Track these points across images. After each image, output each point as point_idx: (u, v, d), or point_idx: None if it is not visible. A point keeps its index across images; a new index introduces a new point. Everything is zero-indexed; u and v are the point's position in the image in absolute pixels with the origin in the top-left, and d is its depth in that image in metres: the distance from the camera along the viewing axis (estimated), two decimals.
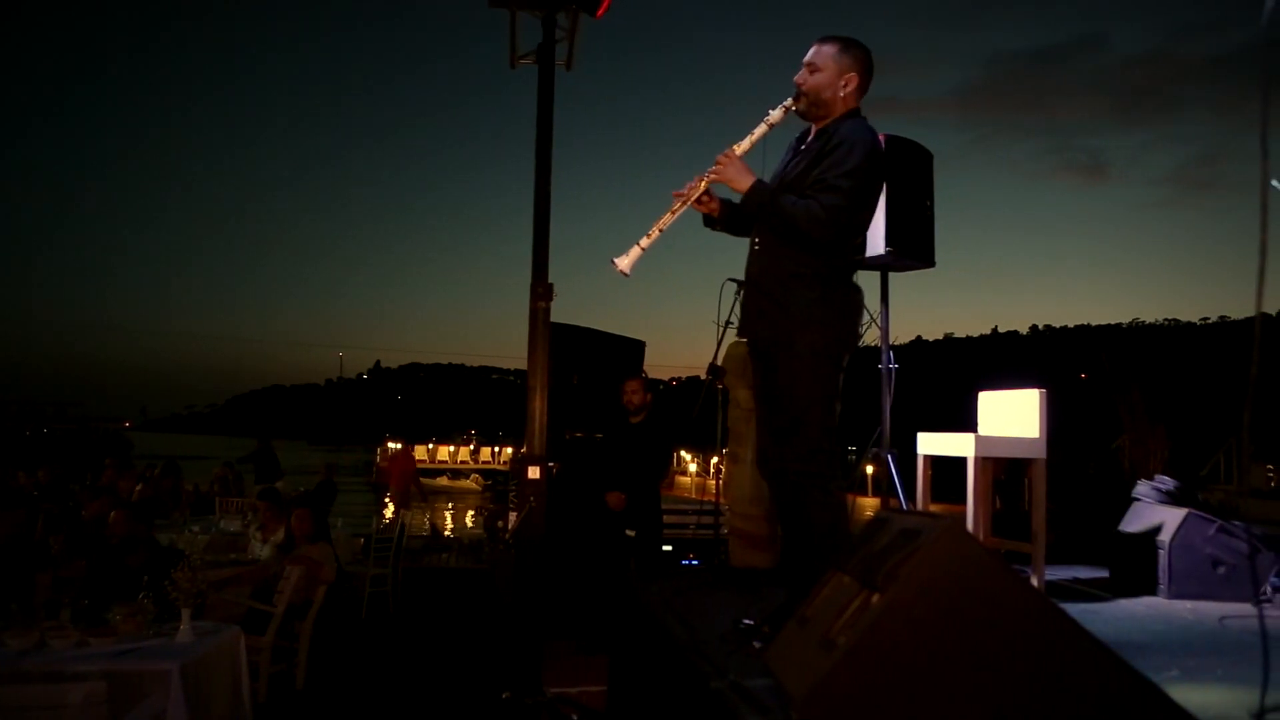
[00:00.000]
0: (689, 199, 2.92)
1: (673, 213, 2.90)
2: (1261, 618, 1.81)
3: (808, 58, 2.97)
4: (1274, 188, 2.28)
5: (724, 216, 3.08)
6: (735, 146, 2.91)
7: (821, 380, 2.90)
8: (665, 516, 6.09)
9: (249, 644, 4.28)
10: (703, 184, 2.93)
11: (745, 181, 2.88)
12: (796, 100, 2.95)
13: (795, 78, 2.97)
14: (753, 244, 3.06)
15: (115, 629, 3.72)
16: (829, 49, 2.96)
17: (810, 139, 3.03)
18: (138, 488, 9.03)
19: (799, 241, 2.87)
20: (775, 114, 2.94)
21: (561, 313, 5.45)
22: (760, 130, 2.93)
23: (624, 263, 2.83)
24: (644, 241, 2.84)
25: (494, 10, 5.74)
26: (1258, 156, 1.66)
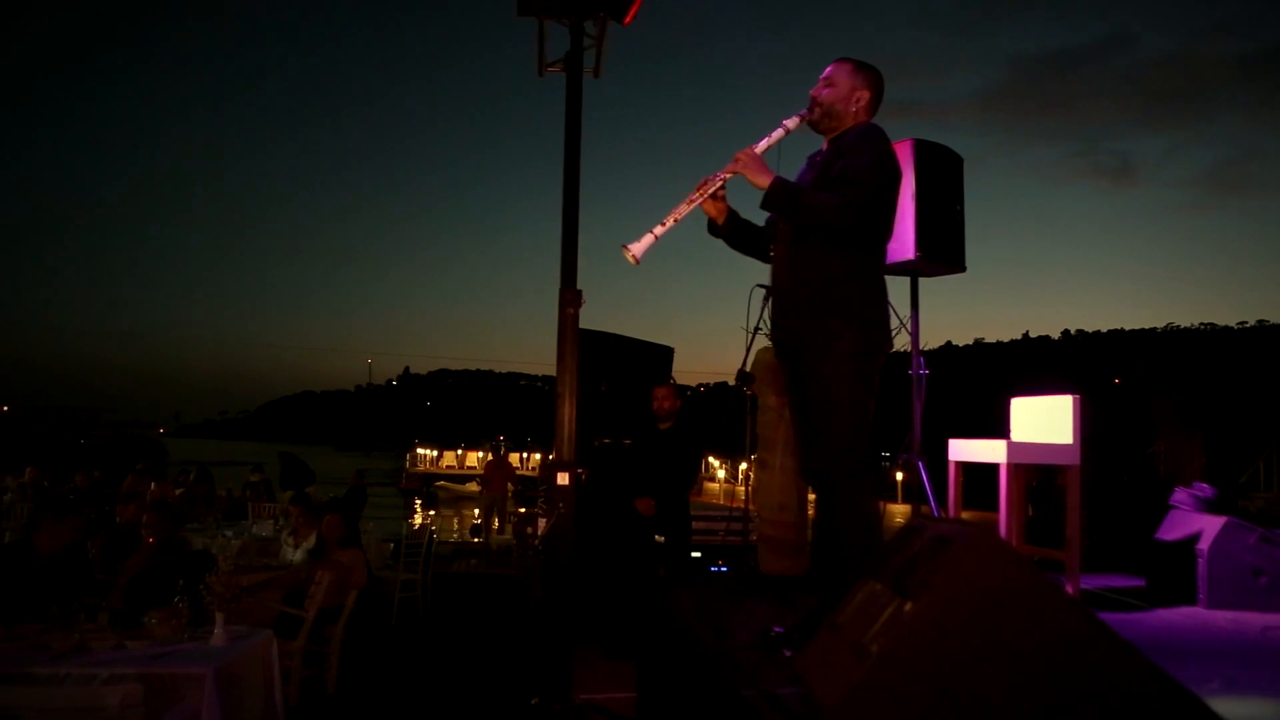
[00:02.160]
0: (707, 191, 2.97)
1: (690, 202, 2.95)
2: None
3: (825, 74, 3.10)
4: None
5: (728, 225, 3.15)
6: (752, 146, 2.97)
7: (859, 382, 2.93)
8: (694, 523, 6.08)
9: (281, 648, 4.31)
10: (720, 178, 2.97)
11: (765, 177, 2.93)
12: (811, 111, 3.06)
13: (811, 90, 3.09)
14: (770, 254, 3.13)
15: (152, 632, 3.77)
16: (845, 67, 3.10)
17: (824, 151, 3.12)
18: (177, 493, 9.16)
19: (826, 234, 2.91)
20: (791, 121, 3.03)
21: (590, 319, 5.46)
22: (777, 134, 3.01)
23: (636, 248, 2.86)
24: (658, 229, 2.88)
25: (522, 18, 5.77)
26: None
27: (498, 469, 16.53)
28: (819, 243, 2.95)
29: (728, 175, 2.97)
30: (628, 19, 5.60)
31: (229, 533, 7.97)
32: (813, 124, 3.08)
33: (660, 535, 5.63)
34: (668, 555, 5.58)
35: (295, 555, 6.59)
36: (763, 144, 2.98)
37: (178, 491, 9.20)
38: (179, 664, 3.52)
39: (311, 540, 6.49)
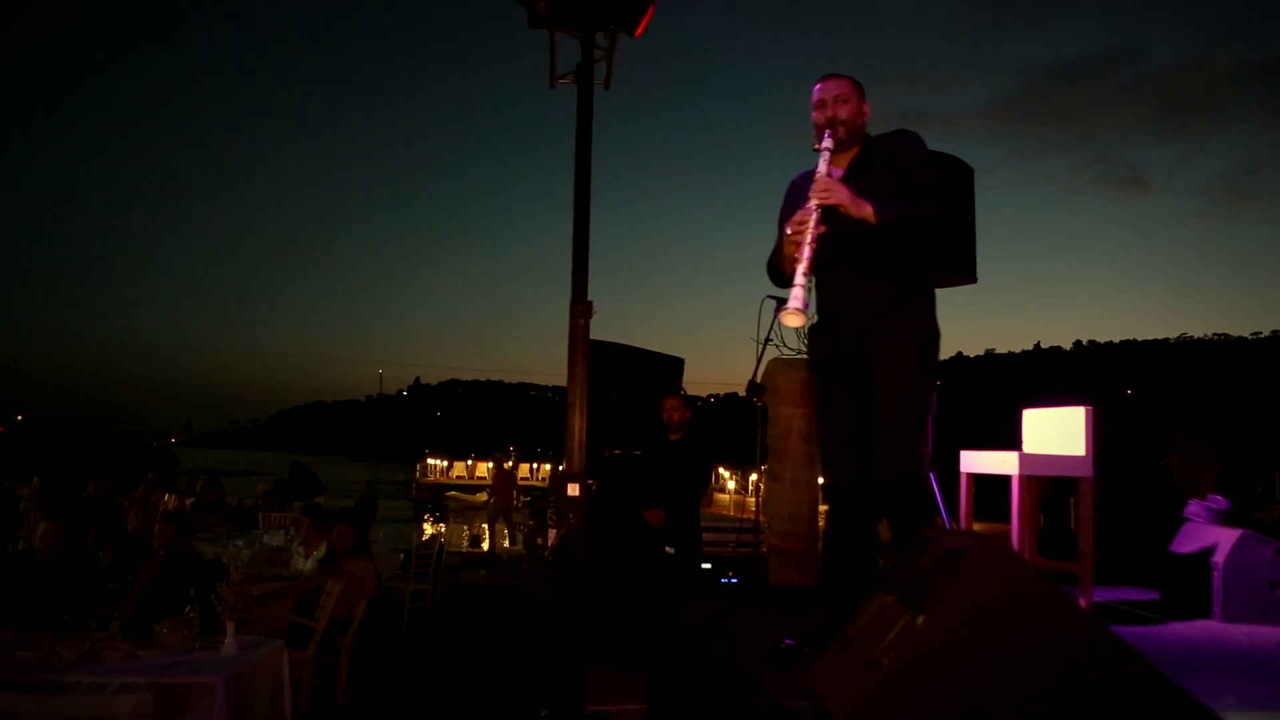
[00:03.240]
0: (813, 229, 2.83)
1: (810, 245, 2.81)
2: None
3: (831, 93, 3.10)
4: None
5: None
6: (827, 176, 2.91)
7: (927, 393, 3.02)
8: (704, 534, 6.06)
9: (291, 658, 4.32)
10: (815, 211, 2.86)
11: (863, 202, 2.88)
12: (836, 132, 3.04)
13: (827, 113, 3.06)
14: (844, 277, 3.07)
15: (163, 641, 3.78)
16: (846, 83, 3.14)
17: (848, 167, 3.09)
18: (189, 502, 9.20)
19: (934, 238, 3.03)
20: (828, 143, 3.00)
21: (600, 330, 5.48)
22: (826, 160, 2.98)
23: (796, 304, 2.75)
24: (799, 280, 2.78)
25: (533, 30, 5.80)
26: None
27: (505, 479, 17.23)
28: (883, 256, 2.99)
29: (819, 204, 2.87)
30: (639, 31, 5.63)
31: (240, 542, 7.99)
32: (838, 144, 3.06)
33: (670, 546, 5.62)
34: (678, 566, 5.57)
35: (306, 565, 6.60)
36: (835, 172, 2.98)
37: (189, 501, 9.23)
38: (190, 673, 3.53)
39: (322, 550, 6.50)
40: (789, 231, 2.89)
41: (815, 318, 3.20)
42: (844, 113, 3.08)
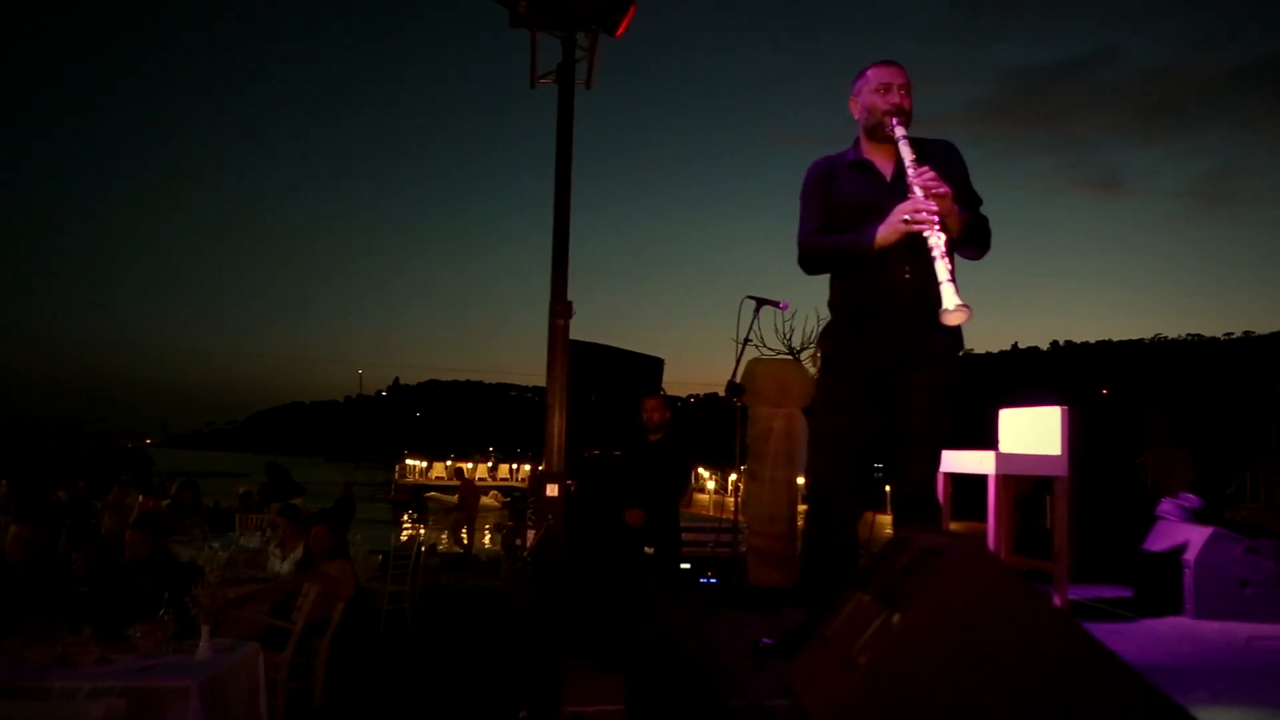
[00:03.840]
0: (931, 222, 2.70)
1: (941, 237, 2.69)
2: None
3: (899, 81, 2.97)
4: None
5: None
6: (924, 169, 2.77)
7: (952, 410, 3.03)
8: (683, 534, 6.07)
9: (267, 661, 4.28)
10: (935, 205, 2.72)
11: (955, 205, 2.81)
12: (901, 122, 2.91)
13: (894, 99, 2.94)
14: (903, 273, 2.90)
15: (136, 645, 3.74)
16: (906, 75, 3.01)
17: (908, 160, 2.87)
18: (164, 504, 9.10)
19: (981, 253, 3.01)
20: (903, 131, 2.89)
21: (580, 330, 5.47)
22: (909, 148, 2.85)
23: (952, 301, 2.60)
24: (944, 276, 2.64)
25: (515, 30, 5.79)
26: (1278, 169, 1.63)
27: (470, 489, 17.62)
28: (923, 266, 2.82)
29: (941, 207, 2.72)
30: (619, 31, 5.64)
31: (216, 544, 7.92)
32: (904, 134, 2.93)
33: (650, 547, 5.62)
34: (657, 567, 5.57)
35: (282, 567, 6.55)
36: (910, 159, 2.84)
37: (164, 503, 9.13)
38: (164, 677, 3.49)
39: (299, 552, 6.45)
40: (905, 219, 2.73)
41: (844, 311, 3.06)
42: (909, 104, 2.96)
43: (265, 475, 11.66)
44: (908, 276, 2.89)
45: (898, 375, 2.95)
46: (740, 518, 5.31)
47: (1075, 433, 4.12)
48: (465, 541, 15.91)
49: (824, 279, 3.19)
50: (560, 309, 4.93)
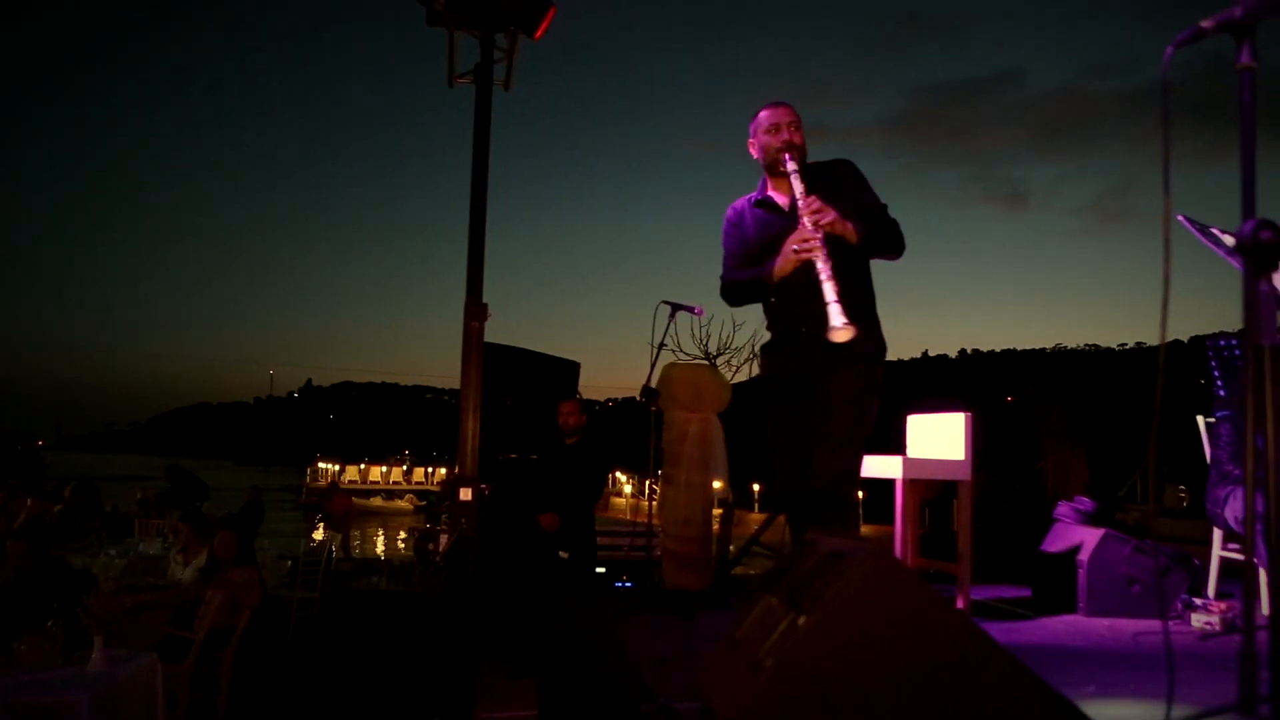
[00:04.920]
0: (819, 248, 2.93)
1: (828, 263, 2.91)
2: (1167, 634, 1.88)
3: (787, 119, 3.22)
4: (1178, 223, 2.39)
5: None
6: (812, 199, 3.00)
7: (872, 412, 3.18)
8: (599, 538, 6.07)
9: (167, 672, 4.13)
10: (820, 233, 2.96)
11: (846, 221, 3.03)
12: (794, 157, 3.14)
13: (784, 137, 3.18)
14: (818, 292, 3.09)
15: (22, 659, 3.56)
16: (795, 112, 3.26)
17: (799, 192, 3.10)
18: (56, 508, 8.67)
19: (895, 255, 3.20)
20: (794, 166, 3.11)
21: (497, 333, 5.43)
22: (800, 181, 3.08)
23: (839, 323, 2.83)
24: (831, 298, 2.86)
25: (432, 29, 5.71)
26: (1171, 190, 1.73)
27: (338, 495, 17.13)
28: (855, 273, 3.12)
29: (826, 229, 2.97)
30: (538, 34, 5.62)
31: (113, 550, 7.59)
32: (798, 167, 3.16)
33: (565, 551, 5.60)
34: (572, 571, 5.56)
35: (185, 574, 6.32)
36: (808, 195, 3.06)
37: (56, 508, 8.70)
38: (52, 692, 3.33)
39: (202, 558, 6.24)
40: (794, 249, 2.97)
41: (772, 333, 3.29)
42: (799, 139, 3.21)
43: (167, 479, 11.23)
44: (810, 298, 3.08)
45: (820, 386, 3.12)
46: (656, 521, 5.34)
47: (979, 438, 4.26)
48: (350, 551, 15.24)
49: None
50: (475, 310, 4.88)
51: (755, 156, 3.32)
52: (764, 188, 3.33)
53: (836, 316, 2.82)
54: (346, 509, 16.21)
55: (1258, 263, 1.53)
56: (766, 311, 3.33)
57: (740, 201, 3.39)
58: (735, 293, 3.36)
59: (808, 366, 3.13)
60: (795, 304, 3.15)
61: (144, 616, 5.27)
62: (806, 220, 2.96)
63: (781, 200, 3.26)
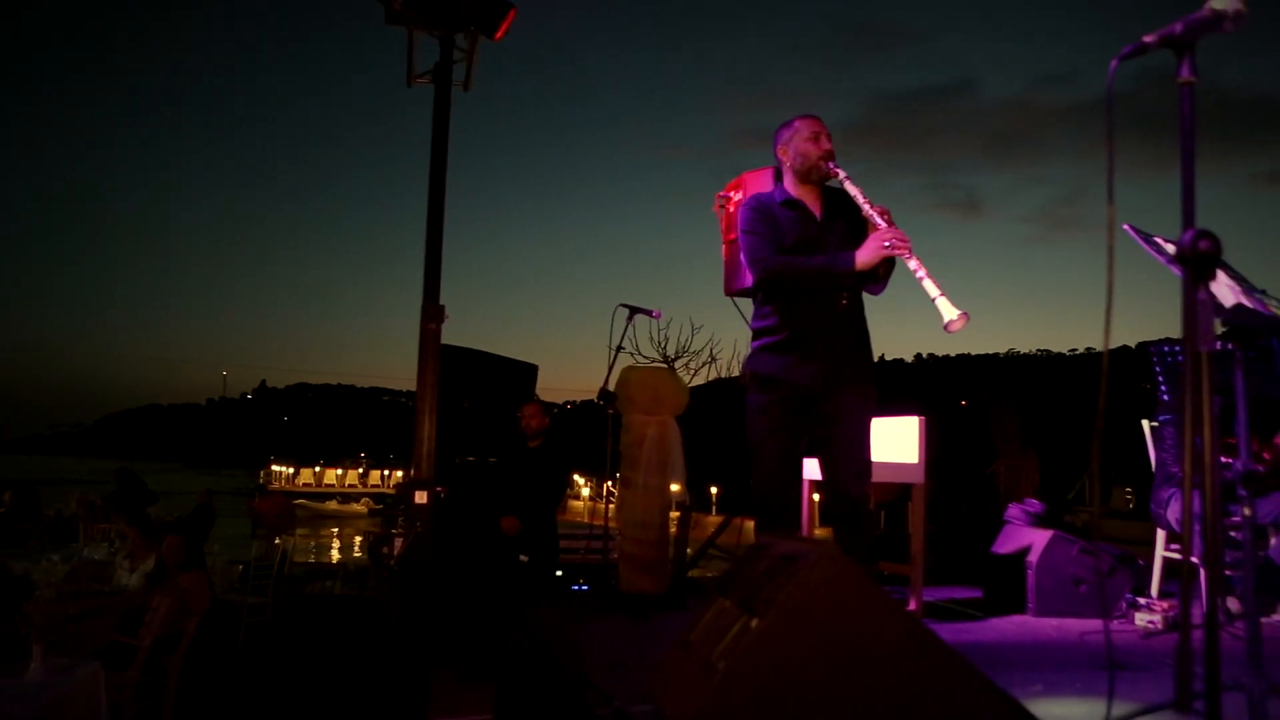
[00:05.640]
0: (909, 247, 3.06)
1: (919, 261, 3.02)
2: (1108, 633, 1.92)
3: (825, 130, 3.31)
4: (1125, 231, 2.45)
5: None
6: (881, 206, 3.15)
7: None
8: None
9: (112, 680, 4.03)
10: (907, 238, 3.09)
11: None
12: (837, 165, 3.26)
13: (826, 145, 3.28)
14: (841, 299, 3.23)
15: None
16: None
17: (831, 200, 3.34)
18: None
19: (884, 287, 3.33)
20: (844, 173, 3.23)
21: (455, 336, 5.40)
22: (856, 185, 3.20)
23: (954, 315, 2.89)
24: (936, 294, 2.94)
25: (392, 28, 5.66)
26: (1115, 199, 1.77)
27: (273, 501, 16.50)
28: (858, 291, 3.27)
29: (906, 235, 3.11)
30: (498, 35, 5.59)
31: (55, 556, 7.38)
32: (809, 180, 3.31)
33: (525, 554, 5.57)
34: (532, 574, 5.53)
35: (132, 580, 6.18)
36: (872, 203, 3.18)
37: None
38: None
39: (150, 563, 6.10)
40: (885, 244, 3.06)
41: (779, 334, 3.26)
42: (832, 149, 3.31)
43: (114, 482, 10.97)
44: (845, 303, 3.22)
45: (832, 396, 3.19)
46: (613, 524, 5.34)
47: (932, 442, 4.32)
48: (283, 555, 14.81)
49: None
50: (433, 312, 4.84)
51: (786, 161, 3.36)
52: (784, 190, 3.37)
53: (950, 309, 2.89)
54: (282, 510, 15.65)
55: (1196, 271, 1.57)
56: (782, 310, 3.27)
57: (763, 196, 3.42)
58: (789, 278, 3.25)
59: (825, 376, 3.17)
60: (824, 305, 3.21)
61: (88, 624, 5.15)
62: (880, 220, 3.10)
63: (813, 205, 3.31)
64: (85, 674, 3.74)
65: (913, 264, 3.00)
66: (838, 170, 3.22)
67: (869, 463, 3.26)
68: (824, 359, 3.17)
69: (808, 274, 3.20)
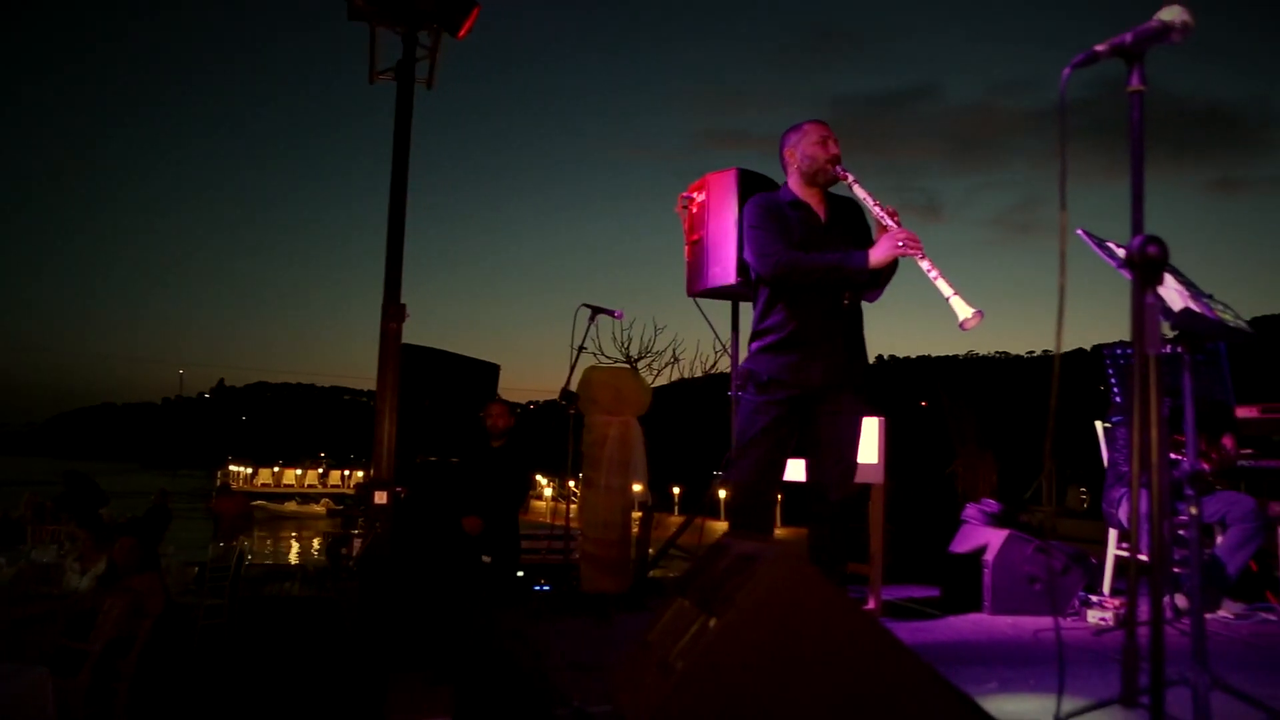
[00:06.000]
0: (921, 248, 3.10)
1: (932, 261, 3.06)
2: (1059, 631, 1.95)
3: (833, 135, 3.37)
4: (1078, 236, 2.49)
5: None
6: (892, 209, 3.18)
7: None
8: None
9: (59, 687, 3.94)
10: (919, 240, 3.13)
11: None
12: (845, 168, 3.31)
13: (834, 150, 3.32)
14: (843, 300, 3.28)
15: None
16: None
17: (833, 204, 3.42)
18: None
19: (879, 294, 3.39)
20: (852, 176, 3.28)
21: (416, 335, 5.36)
22: (864, 188, 3.25)
23: (969, 312, 2.92)
24: (950, 293, 2.97)
25: (355, 24, 5.61)
26: (1070, 204, 1.81)
27: (232, 501, 16.42)
28: (858, 298, 3.32)
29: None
30: (462, 33, 5.56)
31: (1, 559, 7.21)
32: (814, 182, 3.37)
33: (487, 555, 5.54)
34: (494, 575, 5.50)
35: (82, 583, 6.05)
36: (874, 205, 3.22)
37: None
38: None
39: (101, 566, 5.98)
40: (899, 244, 3.08)
41: (782, 334, 3.26)
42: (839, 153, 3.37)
43: (63, 483, 10.73)
44: (846, 304, 3.28)
45: (831, 396, 3.23)
46: (574, 524, 5.33)
47: (892, 442, 4.37)
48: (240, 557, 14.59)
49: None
50: (393, 311, 4.80)
51: (793, 163, 3.40)
52: (790, 191, 3.41)
53: (964, 308, 2.93)
54: (241, 510, 15.40)
55: (1144, 276, 1.60)
56: (783, 310, 3.28)
57: (770, 195, 3.48)
58: (801, 274, 3.24)
59: (824, 378, 3.21)
60: (827, 306, 3.25)
61: (34, 628, 5.03)
62: (890, 221, 3.14)
63: (817, 208, 3.37)
64: (29, 679, 3.65)
65: (925, 264, 3.05)
66: (846, 174, 3.27)
67: (855, 466, 3.32)
68: (826, 359, 3.22)
69: (820, 270, 3.21)
